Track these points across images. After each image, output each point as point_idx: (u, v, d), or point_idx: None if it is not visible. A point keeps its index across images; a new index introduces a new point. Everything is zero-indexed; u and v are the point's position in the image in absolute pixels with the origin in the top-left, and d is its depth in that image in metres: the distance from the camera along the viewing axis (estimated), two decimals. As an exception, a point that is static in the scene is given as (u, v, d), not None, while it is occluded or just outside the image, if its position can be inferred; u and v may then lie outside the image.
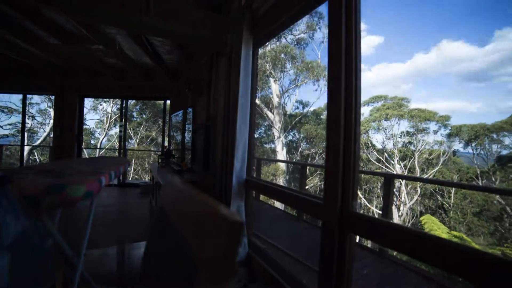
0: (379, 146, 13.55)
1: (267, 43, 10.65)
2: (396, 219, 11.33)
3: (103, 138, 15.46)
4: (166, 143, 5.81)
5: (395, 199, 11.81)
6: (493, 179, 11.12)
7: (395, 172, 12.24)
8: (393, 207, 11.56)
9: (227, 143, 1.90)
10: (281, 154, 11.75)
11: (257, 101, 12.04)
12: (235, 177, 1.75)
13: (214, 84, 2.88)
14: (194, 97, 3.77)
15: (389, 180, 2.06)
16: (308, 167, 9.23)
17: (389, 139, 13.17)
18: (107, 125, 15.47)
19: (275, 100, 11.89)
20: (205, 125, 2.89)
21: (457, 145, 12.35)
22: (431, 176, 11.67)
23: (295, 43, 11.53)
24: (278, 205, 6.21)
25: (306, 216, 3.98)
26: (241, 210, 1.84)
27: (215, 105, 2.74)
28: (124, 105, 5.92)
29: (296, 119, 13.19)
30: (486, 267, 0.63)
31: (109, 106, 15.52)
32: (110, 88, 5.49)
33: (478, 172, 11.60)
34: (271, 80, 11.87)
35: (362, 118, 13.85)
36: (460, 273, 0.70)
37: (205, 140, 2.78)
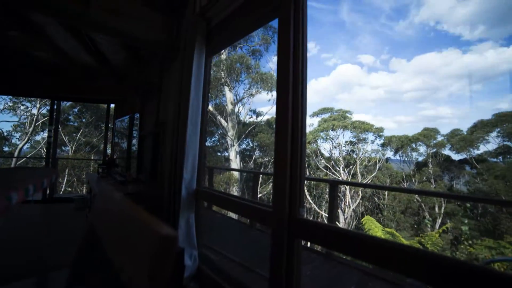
0: (326, 154, 14.73)
1: (222, 51, 10.72)
2: (341, 222, 12.35)
3: (24, 145, 13.03)
4: (109, 151, 5.24)
5: (341, 203, 12.92)
6: (413, 181, 13.20)
7: (341, 178, 13.42)
8: (339, 210, 12.61)
9: (176, 152, 1.81)
10: (235, 163, 11.75)
11: (211, 108, 11.89)
12: (184, 187, 1.67)
13: (165, 90, 2.74)
14: (142, 102, 3.52)
15: (333, 186, 2.24)
16: (261, 175, 9.44)
17: (335, 147, 14.43)
18: (31, 129, 13.17)
19: (229, 108, 11.93)
20: (153, 132, 2.71)
21: (389, 153, 14.29)
22: (369, 180, 13.17)
23: (251, 53, 11.89)
24: (232, 214, 6.14)
25: (258, 224, 4.02)
26: (191, 222, 1.75)
27: (165, 112, 2.60)
28: (55, 106, 5.15)
29: (250, 128, 13.42)
30: (408, 258, 0.72)
31: (35, 107, 13.30)
32: (36, 85, 4.71)
33: (404, 175, 13.62)
34: (226, 88, 11.91)
35: (311, 128, 14.91)
36: (389, 266, 0.78)
37: (153, 148, 2.60)
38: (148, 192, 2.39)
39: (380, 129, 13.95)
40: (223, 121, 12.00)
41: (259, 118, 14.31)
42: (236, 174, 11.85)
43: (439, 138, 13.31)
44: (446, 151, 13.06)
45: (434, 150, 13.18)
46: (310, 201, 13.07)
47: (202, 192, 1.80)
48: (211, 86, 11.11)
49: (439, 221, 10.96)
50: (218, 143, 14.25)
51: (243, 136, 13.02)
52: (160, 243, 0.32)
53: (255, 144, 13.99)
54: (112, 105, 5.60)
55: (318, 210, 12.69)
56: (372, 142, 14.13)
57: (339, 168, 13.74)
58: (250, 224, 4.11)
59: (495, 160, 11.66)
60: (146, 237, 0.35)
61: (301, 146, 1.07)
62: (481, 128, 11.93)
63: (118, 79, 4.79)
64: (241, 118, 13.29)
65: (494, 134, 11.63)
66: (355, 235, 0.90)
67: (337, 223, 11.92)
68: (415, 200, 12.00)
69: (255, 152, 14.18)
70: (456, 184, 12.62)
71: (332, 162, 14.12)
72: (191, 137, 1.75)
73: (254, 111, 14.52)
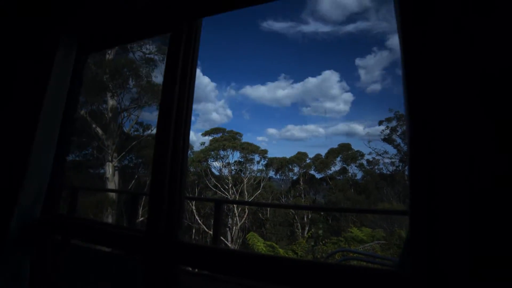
0: (216, 173, 15.11)
1: (103, 51, 9.20)
2: (229, 240, 12.69)
3: None
4: None
5: (229, 220, 13.37)
6: (289, 196, 15.71)
7: (229, 197, 14.00)
8: (227, 228, 12.97)
9: (10, 167, 1.31)
10: (112, 182, 9.91)
11: (84, 114, 9.76)
12: (18, 217, 1.19)
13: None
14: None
15: (218, 205, 2.26)
16: (144, 197, 8.34)
17: (225, 167, 15.05)
18: None
19: (109, 117, 10.18)
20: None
21: (271, 173, 16.40)
22: (254, 197, 14.47)
23: (144, 61, 10.74)
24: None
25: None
26: (23, 275, 1.22)
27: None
28: None
29: (134, 142, 11.52)
30: (282, 266, 0.80)
31: None
32: None
33: (282, 192, 15.94)
34: (108, 94, 10.18)
35: (203, 147, 15.01)
36: (263, 276, 0.84)
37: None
38: None
39: (265, 151, 15.91)
40: (99, 132, 10.01)
41: (146, 132, 12.63)
42: (113, 195, 9.90)
43: (308, 161, 16.66)
44: (312, 171, 16.48)
45: (304, 170, 16.31)
46: (199, 221, 12.77)
47: (48, 223, 1.36)
48: (86, 88, 9.14)
49: (307, 228, 13.36)
50: (91, 158, 11.51)
51: (125, 151, 11.12)
52: None
53: (139, 160, 12.37)
54: None
55: (207, 230, 12.56)
56: (258, 162, 15.82)
57: (228, 186, 14.37)
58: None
59: (339, 177, 15.79)
60: None
61: (181, 163, 1.02)
62: (331, 154, 15.98)
63: None
64: (125, 130, 11.47)
65: (338, 158, 15.85)
66: (235, 253, 0.92)
67: (225, 241, 12.15)
68: (290, 213, 14.17)
69: (139, 170, 12.49)
70: (317, 197, 16.01)
71: (222, 181, 14.64)
72: (41, 147, 1.32)
73: (141, 124, 12.83)
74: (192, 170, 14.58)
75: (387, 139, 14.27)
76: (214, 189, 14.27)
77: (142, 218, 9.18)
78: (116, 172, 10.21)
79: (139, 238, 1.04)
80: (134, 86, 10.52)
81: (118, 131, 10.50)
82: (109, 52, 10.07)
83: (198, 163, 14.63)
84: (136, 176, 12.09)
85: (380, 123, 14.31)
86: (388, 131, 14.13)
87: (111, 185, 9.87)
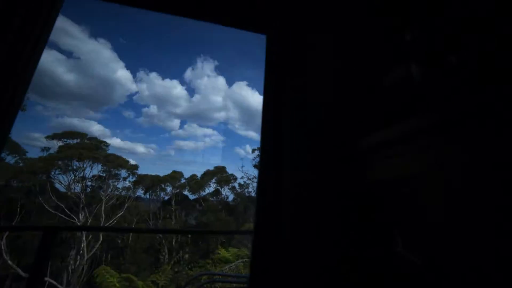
0: (63, 189, 11.59)
1: None
2: (64, 283, 9.59)
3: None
4: None
5: (73, 253, 10.26)
6: (158, 218, 14.29)
7: (77, 221, 10.94)
8: (70, 264, 9.87)
9: None
10: None
11: None
12: None
13: None
14: None
15: (50, 234, 1.55)
16: None
17: (78, 182, 11.89)
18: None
19: None
20: None
21: (140, 192, 14.45)
22: (115, 221, 12.03)
23: None
24: None
25: None
26: None
27: None
28: None
29: None
30: None
31: None
32: None
33: (150, 214, 14.26)
34: None
35: (45, 153, 11.29)
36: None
37: None
38: None
39: (135, 167, 14.00)
40: None
41: None
42: None
43: (182, 181, 16.04)
44: (186, 192, 15.93)
45: (178, 190, 15.51)
46: (10, 262, 8.61)
47: None
48: None
49: (174, 254, 12.38)
50: None
51: None
52: None
53: None
54: None
55: (23, 274, 8.73)
56: (125, 179, 13.62)
57: (77, 208, 11.22)
58: None
59: (212, 199, 16.15)
60: None
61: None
62: (208, 175, 16.28)
63: None
64: None
65: (213, 180, 16.35)
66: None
67: (58, 285, 9.01)
68: (157, 237, 12.76)
69: None
70: (189, 218, 15.46)
71: (70, 200, 11.30)
72: None
73: None
74: (15, 185, 10.38)
75: (257, 166, 16.37)
76: (54, 211, 10.72)
77: None
78: None
79: None
80: None
81: None
82: None
83: (32, 175, 10.67)
84: None
85: (253, 151, 16.25)
86: (258, 159, 16.30)
87: None
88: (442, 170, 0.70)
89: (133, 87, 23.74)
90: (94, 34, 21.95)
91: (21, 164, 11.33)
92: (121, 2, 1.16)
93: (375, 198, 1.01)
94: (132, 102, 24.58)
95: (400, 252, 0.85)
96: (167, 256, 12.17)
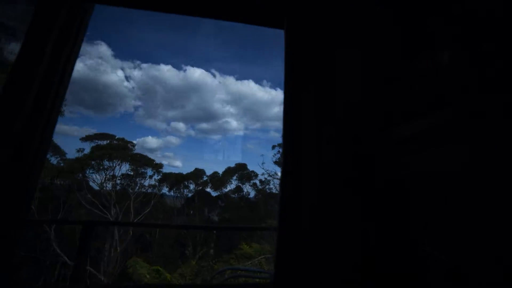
0: (96, 187, 12.47)
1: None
2: (101, 271, 10.37)
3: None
4: None
5: (107, 246, 11.02)
6: (185, 214, 14.85)
7: (109, 216, 11.72)
8: (105, 256, 10.64)
9: None
10: None
11: None
12: None
13: None
14: None
15: (88, 228, 1.71)
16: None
17: (109, 180, 12.70)
18: None
19: None
20: None
21: (165, 189, 15.10)
22: (142, 217, 12.73)
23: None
24: None
25: None
26: None
27: None
28: None
29: None
30: None
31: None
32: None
33: (175, 211, 14.88)
34: None
35: (80, 154, 12.20)
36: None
37: None
38: None
39: (160, 165, 14.61)
40: None
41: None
42: None
43: (205, 178, 16.47)
44: (208, 189, 16.35)
45: (200, 187, 15.98)
46: (58, 250, 9.73)
47: None
48: None
49: (198, 249, 12.81)
50: None
51: None
52: None
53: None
54: None
55: (69, 262, 9.75)
56: (151, 177, 14.28)
57: (109, 204, 12.02)
58: None
59: (234, 195, 16.42)
60: None
61: (31, 171, 0.76)
62: (229, 173, 16.56)
63: None
64: None
65: (234, 177, 16.59)
66: None
67: (97, 273, 9.82)
68: (182, 233, 13.27)
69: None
70: (212, 215, 15.89)
71: (102, 197, 12.13)
72: None
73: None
74: (58, 183, 11.36)
75: (278, 162, 16.31)
76: (90, 207, 11.58)
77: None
78: None
79: None
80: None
81: None
82: None
83: (70, 174, 11.59)
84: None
85: (273, 147, 16.23)
86: (278, 155, 16.21)
87: None
88: (478, 167, 0.66)
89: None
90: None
91: (62, 164, 12.37)
92: (138, 6, 1.20)
93: (400, 193, 0.98)
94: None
95: (428, 251, 0.82)
96: (192, 250, 12.63)
